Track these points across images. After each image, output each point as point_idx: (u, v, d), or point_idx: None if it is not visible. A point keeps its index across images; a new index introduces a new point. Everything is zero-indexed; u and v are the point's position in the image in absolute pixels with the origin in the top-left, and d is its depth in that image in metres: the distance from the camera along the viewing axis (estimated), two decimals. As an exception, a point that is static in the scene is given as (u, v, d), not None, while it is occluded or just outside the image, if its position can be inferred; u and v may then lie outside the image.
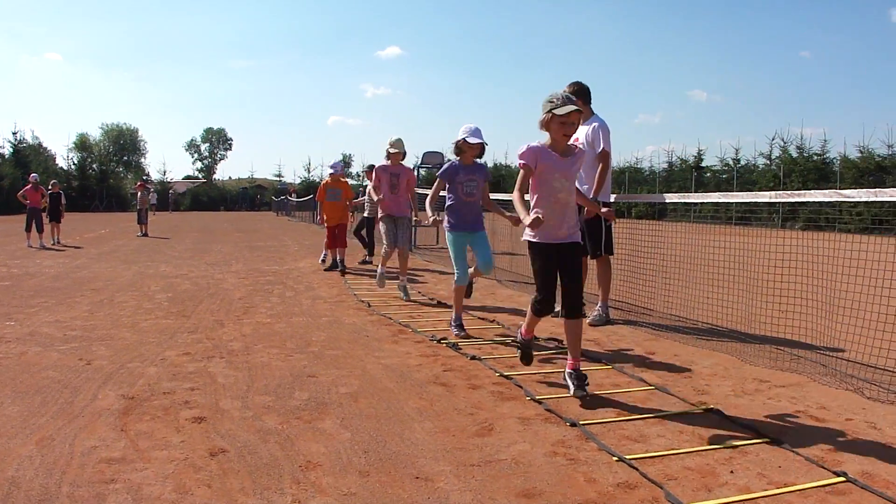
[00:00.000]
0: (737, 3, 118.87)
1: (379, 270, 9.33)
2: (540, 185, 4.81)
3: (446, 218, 7.15)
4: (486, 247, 7.02)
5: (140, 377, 5.06)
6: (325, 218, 12.87)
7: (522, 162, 4.81)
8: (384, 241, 9.35)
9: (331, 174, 13.14)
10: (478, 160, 7.15)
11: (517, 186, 4.84)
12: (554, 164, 4.74)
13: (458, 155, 7.07)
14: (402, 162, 9.49)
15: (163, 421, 4.09)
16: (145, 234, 22.96)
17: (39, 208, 18.45)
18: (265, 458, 3.53)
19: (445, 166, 7.22)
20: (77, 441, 3.75)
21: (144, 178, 60.20)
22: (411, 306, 8.49)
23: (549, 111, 4.64)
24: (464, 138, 6.85)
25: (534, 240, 4.82)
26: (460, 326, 6.77)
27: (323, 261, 13.54)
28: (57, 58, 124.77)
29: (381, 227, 9.44)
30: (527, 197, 4.88)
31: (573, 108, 4.59)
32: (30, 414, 4.20)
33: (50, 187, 19.75)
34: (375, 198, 9.34)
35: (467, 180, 7.00)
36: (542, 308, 4.89)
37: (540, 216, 4.44)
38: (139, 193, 25.12)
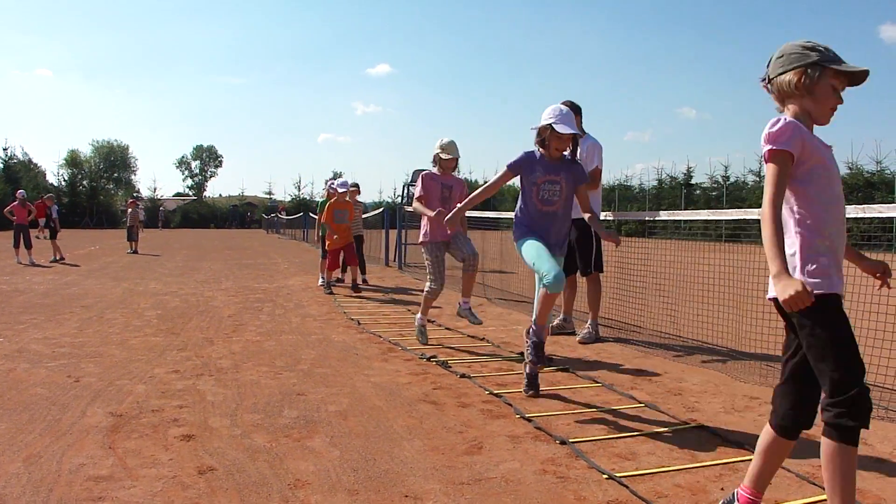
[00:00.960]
0: (725, 20, 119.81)
1: (418, 321, 7.25)
2: None
3: (515, 228, 5.44)
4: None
5: (128, 395, 5.03)
6: (329, 240, 12.15)
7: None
8: (429, 277, 6.97)
9: (339, 194, 12.18)
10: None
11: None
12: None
13: (542, 147, 5.24)
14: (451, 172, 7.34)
15: (151, 439, 4.07)
16: (135, 252, 22.77)
17: (26, 224, 18.37)
18: (254, 477, 3.51)
19: (521, 154, 5.31)
20: (65, 459, 3.72)
21: (135, 195, 60.01)
22: (401, 324, 8.47)
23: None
24: (550, 124, 5.04)
25: None
26: (539, 354, 5.24)
27: (326, 284, 12.45)
28: (47, 74, 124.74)
29: (426, 256, 7.02)
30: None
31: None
32: (17, 431, 4.17)
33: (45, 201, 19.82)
34: (422, 212, 6.95)
35: (546, 181, 5.21)
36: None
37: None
38: (130, 210, 24.84)
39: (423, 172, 7.28)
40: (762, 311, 6.54)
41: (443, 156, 7.08)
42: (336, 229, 11.96)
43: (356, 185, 14.26)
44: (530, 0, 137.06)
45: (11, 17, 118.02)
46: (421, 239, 7.02)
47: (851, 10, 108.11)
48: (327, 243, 12.24)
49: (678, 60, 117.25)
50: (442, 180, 7.12)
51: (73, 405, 4.74)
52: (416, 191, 7.13)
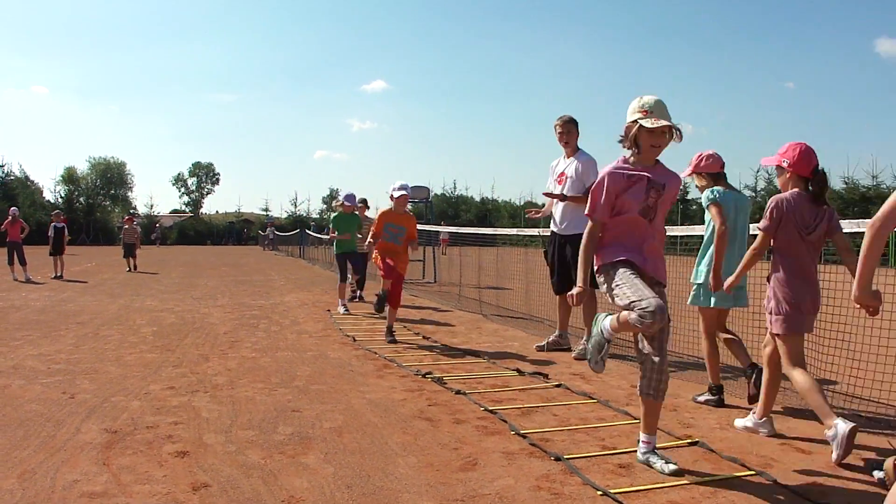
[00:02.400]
0: (721, 34, 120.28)
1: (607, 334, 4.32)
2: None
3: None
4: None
5: (123, 411, 5.03)
6: (380, 266, 8.49)
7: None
8: (636, 307, 3.90)
9: (395, 200, 8.60)
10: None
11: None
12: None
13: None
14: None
15: (145, 455, 4.07)
16: (134, 268, 22.59)
17: (20, 242, 18.33)
18: (248, 493, 3.51)
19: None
20: (59, 475, 3.72)
21: (132, 211, 59.98)
22: (395, 342, 8.47)
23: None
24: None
25: None
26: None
27: (348, 310, 11.27)
28: (43, 91, 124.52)
29: (622, 284, 4.06)
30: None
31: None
32: (12, 447, 4.17)
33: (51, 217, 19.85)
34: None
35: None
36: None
37: None
38: (127, 227, 24.11)
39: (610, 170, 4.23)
40: (756, 327, 6.55)
41: (654, 125, 3.95)
42: (385, 251, 8.53)
43: (364, 201, 14.15)
44: (525, 16, 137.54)
45: (6, 34, 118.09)
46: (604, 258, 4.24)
47: (847, 25, 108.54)
48: (380, 262, 8.48)
49: (674, 75, 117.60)
50: (655, 175, 4.09)
51: (68, 421, 4.73)
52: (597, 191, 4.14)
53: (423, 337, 8.76)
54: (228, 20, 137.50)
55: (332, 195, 75.91)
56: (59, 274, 18.79)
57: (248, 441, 4.36)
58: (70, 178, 63.97)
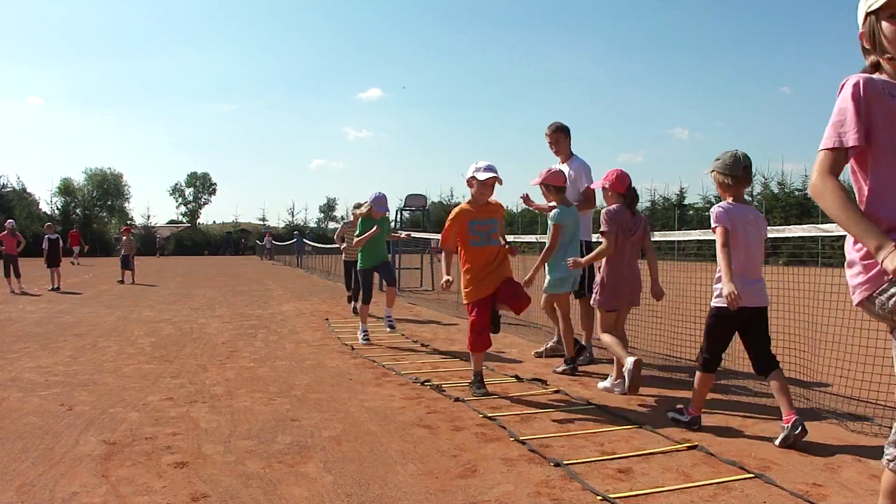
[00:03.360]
0: (717, 39, 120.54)
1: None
2: None
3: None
4: None
5: (122, 422, 5.02)
6: (468, 284, 6.05)
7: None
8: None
9: (486, 181, 6.06)
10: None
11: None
12: None
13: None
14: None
15: (144, 466, 4.06)
16: (132, 282, 21.89)
17: (15, 255, 18.31)
18: (247, 503, 3.50)
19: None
20: (58, 487, 3.71)
21: (129, 222, 59.94)
22: (395, 349, 8.46)
23: None
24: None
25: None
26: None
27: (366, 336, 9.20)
28: (38, 102, 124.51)
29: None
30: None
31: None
32: (10, 460, 4.16)
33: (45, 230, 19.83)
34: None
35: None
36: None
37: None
38: (125, 238, 23.37)
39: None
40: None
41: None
42: (475, 258, 6.04)
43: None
44: (521, 23, 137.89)
45: (0, 46, 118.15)
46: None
47: (844, 30, 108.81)
48: (467, 292, 6.06)
49: (670, 81, 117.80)
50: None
51: (67, 433, 4.73)
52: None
53: (422, 344, 8.76)
54: (224, 30, 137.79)
55: (329, 204, 75.91)
56: (55, 286, 18.74)
57: (247, 451, 4.35)
58: (67, 189, 63.98)
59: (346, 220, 11.04)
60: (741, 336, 4.78)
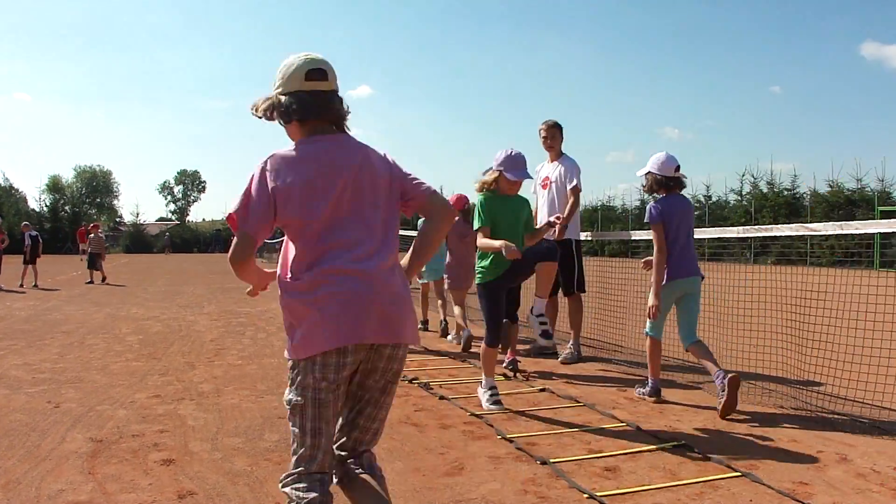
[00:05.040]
0: (708, 39, 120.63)
1: None
2: None
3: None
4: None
5: (109, 420, 5.01)
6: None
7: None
8: None
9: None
10: None
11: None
12: None
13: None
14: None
15: (131, 464, 4.05)
16: (102, 281, 20.54)
17: None
18: (234, 501, 3.50)
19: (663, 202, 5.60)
20: (44, 484, 3.70)
21: (100, 219, 59.36)
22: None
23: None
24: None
25: None
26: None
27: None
28: (26, 98, 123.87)
29: None
30: None
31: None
32: (-5, 458, 4.15)
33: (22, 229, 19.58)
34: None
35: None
36: None
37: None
38: (92, 236, 21.86)
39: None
40: (742, 330, 6.59)
41: None
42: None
43: None
44: (511, 22, 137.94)
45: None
46: None
47: (833, 29, 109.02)
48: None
49: (660, 80, 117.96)
50: None
51: (53, 431, 4.71)
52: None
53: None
54: (213, 26, 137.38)
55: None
56: (32, 282, 18.63)
57: (234, 448, 4.35)
58: (55, 186, 63.65)
59: None
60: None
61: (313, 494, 2.40)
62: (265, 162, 2.49)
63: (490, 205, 5.55)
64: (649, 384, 5.69)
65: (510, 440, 4.49)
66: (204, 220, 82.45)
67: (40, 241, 19.99)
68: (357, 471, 2.63)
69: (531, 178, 6.04)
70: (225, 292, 17.17)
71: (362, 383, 2.60)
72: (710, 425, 4.90)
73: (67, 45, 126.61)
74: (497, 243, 5.18)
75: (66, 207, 62.73)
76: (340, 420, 2.65)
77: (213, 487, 3.67)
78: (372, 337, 2.43)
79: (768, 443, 4.49)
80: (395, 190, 2.62)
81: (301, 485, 2.42)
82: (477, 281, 5.66)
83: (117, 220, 67.65)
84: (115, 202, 72.12)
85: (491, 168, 5.60)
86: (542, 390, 6.00)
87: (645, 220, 5.69)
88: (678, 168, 5.61)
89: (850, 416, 5.04)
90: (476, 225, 5.57)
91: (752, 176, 41.05)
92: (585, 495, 3.54)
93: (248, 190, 2.46)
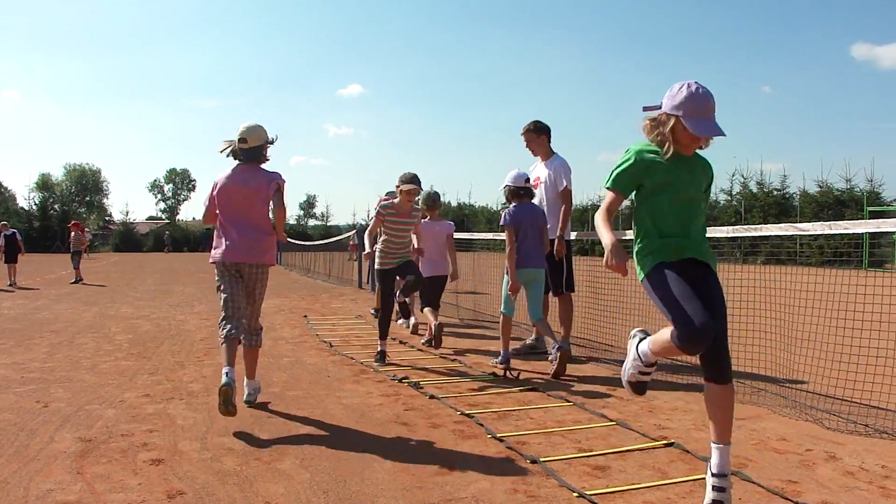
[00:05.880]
0: (699, 39, 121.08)
1: None
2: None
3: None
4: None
5: (98, 419, 4.99)
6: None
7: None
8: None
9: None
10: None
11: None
12: None
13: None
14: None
15: (120, 463, 4.04)
16: (76, 280, 20.27)
17: None
18: (224, 500, 3.49)
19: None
20: (32, 484, 3.69)
21: (82, 216, 59.09)
22: (373, 346, 8.45)
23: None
24: None
25: None
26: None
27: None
28: (14, 95, 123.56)
29: None
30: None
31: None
32: (-17, 458, 4.13)
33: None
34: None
35: None
36: None
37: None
38: (73, 234, 21.65)
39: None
40: (732, 329, 6.59)
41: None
42: None
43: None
44: (502, 20, 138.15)
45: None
46: None
47: (824, 29, 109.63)
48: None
49: (650, 80, 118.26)
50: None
51: (42, 430, 4.69)
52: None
53: (400, 342, 8.75)
54: (204, 26, 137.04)
55: (309, 201, 75.53)
56: (11, 281, 18.56)
57: (223, 448, 4.34)
58: (44, 184, 63.44)
59: (385, 202, 7.82)
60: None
61: None
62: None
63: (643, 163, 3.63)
64: (501, 355, 6.82)
65: (500, 439, 4.50)
66: (194, 218, 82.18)
67: (17, 238, 19.82)
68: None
69: (724, 134, 3.62)
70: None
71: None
72: (699, 424, 4.91)
73: (56, 43, 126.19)
74: (606, 238, 3.59)
75: (56, 206, 62.51)
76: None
77: (202, 487, 3.67)
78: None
79: (757, 441, 4.50)
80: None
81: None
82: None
83: (107, 218, 67.44)
84: (105, 201, 72.06)
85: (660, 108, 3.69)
86: (533, 389, 6.01)
87: (500, 224, 6.85)
88: (528, 180, 6.93)
89: (838, 415, 5.06)
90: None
91: (742, 176, 41.15)
92: (575, 494, 3.55)
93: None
